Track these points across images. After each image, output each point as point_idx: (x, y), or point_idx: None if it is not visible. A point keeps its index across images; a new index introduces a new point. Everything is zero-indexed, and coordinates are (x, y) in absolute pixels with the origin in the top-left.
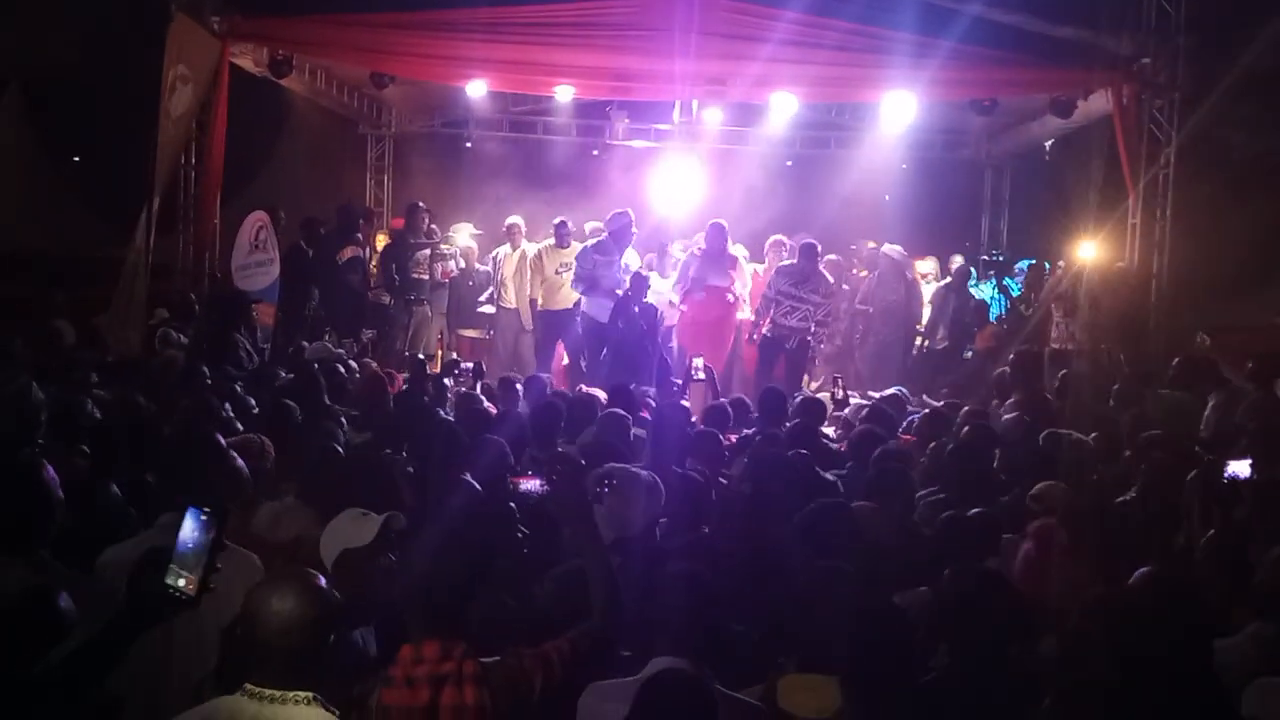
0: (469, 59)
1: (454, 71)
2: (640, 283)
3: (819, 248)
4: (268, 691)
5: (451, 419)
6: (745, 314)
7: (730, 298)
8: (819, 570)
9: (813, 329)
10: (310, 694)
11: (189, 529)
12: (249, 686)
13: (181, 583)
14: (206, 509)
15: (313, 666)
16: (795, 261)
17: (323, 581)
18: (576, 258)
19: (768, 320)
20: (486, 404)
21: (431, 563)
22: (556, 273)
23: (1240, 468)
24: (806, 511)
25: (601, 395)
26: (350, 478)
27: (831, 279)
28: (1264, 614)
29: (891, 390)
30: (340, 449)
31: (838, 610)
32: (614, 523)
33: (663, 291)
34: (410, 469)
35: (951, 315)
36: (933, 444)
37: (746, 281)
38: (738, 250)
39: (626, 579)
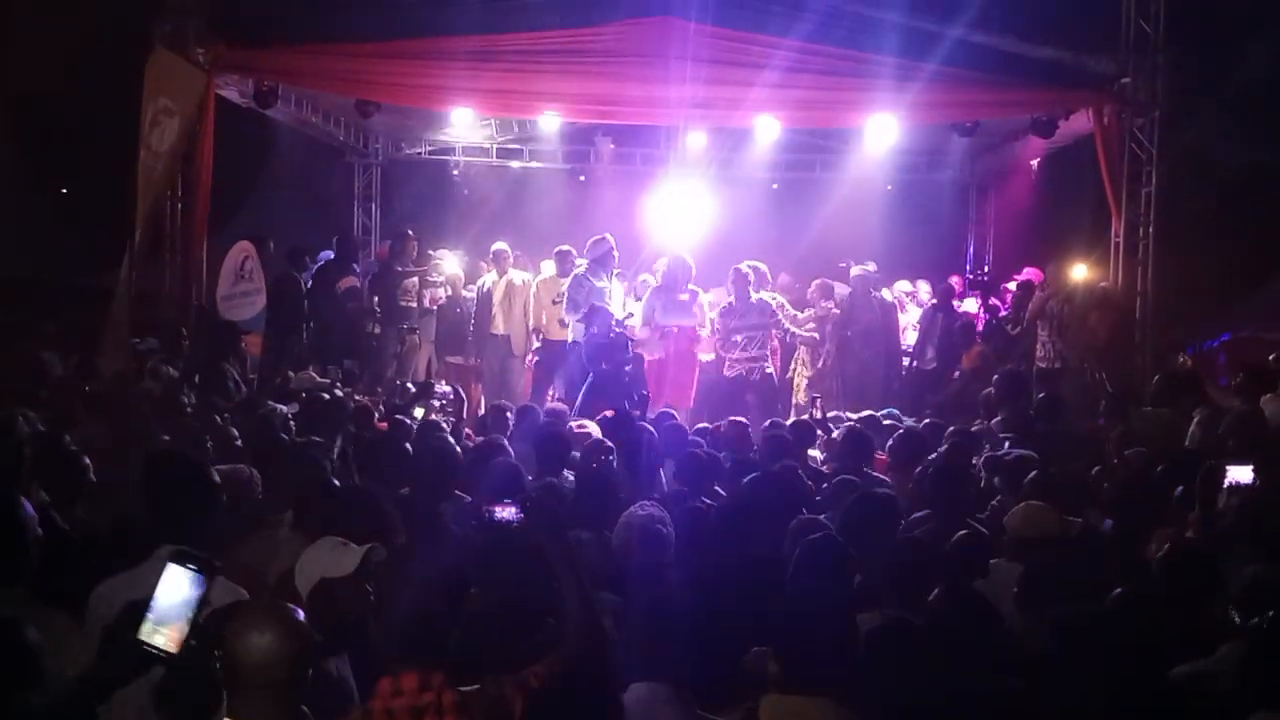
0: (456, 87)
1: (442, 98)
2: (600, 316)
3: (748, 274)
4: None
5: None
6: (708, 355)
7: (692, 332)
8: (804, 591)
9: (769, 352)
10: None
11: (172, 583)
12: None
13: (160, 640)
14: (193, 564)
15: (292, 701)
16: (730, 299)
17: (300, 615)
18: (569, 286)
19: (729, 361)
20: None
21: (414, 595)
22: (554, 302)
23: (1241, 473)
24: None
25: (594, 429)
26: (343, 506)
27: (768, 300)
28: (1236, 632)
29: (878, 412)
30: (332, 478)
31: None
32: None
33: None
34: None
35: (939, 335)
36: (917, 469)
37: (704, 320)
38: (698, 289)
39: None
